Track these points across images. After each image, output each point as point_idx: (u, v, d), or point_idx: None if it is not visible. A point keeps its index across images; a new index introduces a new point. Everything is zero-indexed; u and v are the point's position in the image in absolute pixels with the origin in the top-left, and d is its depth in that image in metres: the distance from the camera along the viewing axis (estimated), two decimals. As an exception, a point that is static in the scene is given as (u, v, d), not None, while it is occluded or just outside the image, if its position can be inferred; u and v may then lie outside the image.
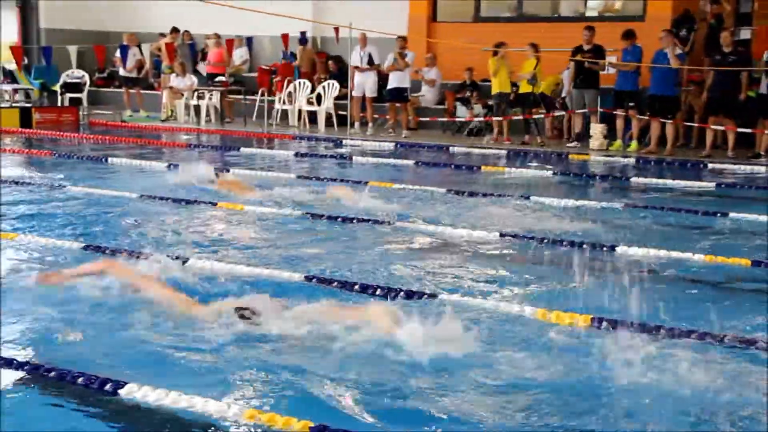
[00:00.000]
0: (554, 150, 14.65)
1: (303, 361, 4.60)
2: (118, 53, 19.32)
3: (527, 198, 9.89)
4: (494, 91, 15.63)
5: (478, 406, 4.14)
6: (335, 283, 6.08)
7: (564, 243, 7.56)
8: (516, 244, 7.64)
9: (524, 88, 15.66)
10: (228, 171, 11.47)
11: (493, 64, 15.31)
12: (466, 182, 11.39)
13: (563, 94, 15.90)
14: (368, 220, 8.42)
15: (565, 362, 4.68)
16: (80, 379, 4.19)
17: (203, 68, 19.76)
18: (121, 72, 19.42)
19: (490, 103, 16.10)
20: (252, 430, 3.78)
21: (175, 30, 19.59)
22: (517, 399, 4.23)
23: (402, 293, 5.86)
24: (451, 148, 15.00)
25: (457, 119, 16.90)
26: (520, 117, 15.67)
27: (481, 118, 16.46)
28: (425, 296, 5.79)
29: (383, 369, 4.54)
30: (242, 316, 5.12)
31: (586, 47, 14.90)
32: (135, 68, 19.40)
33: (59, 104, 19.38)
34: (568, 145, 15.15)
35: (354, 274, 6.40)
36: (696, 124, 14.68)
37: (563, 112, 15.84)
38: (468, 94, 16.89)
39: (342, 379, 4.39)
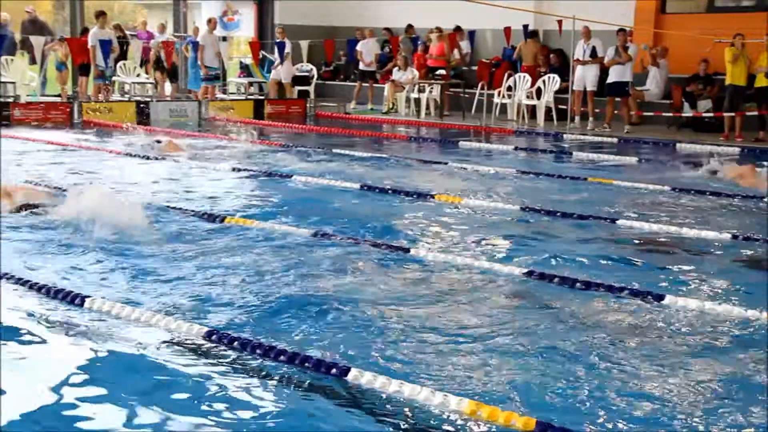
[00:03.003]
0: (793, 148, 13.70)
1: (526, 362, 4.58)
2: (358, 47, 19.92)
3: (761, 199, 9.32)
4: (727, 83, 14.79)
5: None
6: (556, 279, 5.99)
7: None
8: (749, 247, 7.22)
9: (760, 81, 14.69)
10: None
11: (729, 54, 14.49)
12: (692, 180, 10.86)
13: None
14: (587, 217, 8.24)
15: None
16: (308, 363, 4.37)
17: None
18: (361, 66, 20.06)
19: (723, 95, 15.26)
20: (472, 424, 3.80)
21: (437, 28, 19.88)
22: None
23: (626, 291, 5.71)
24: (677, 145, 14.37)
25: (683, 114, 16.15)
26: (755, 113, 14.73)
27: (711, 114, 15.63)
28: (649, 296, 5.60)
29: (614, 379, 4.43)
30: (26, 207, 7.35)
31: (834, 37, 13.79)
32: (373, 62, 20.02)
33: (288, 97, 20.31)
34: (809, 143, 14.11)
35: (575, 271, 6.28)
36: None
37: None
38: (700, 86, 16.09)
39: (568, 379, 4.32)
